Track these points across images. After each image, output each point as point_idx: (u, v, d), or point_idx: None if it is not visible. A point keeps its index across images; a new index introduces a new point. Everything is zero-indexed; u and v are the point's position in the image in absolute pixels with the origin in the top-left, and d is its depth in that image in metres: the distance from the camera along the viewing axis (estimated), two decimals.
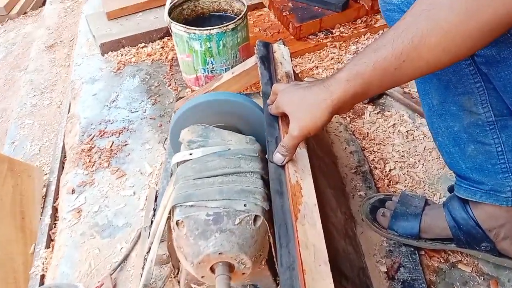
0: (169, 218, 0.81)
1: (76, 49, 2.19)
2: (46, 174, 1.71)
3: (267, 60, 1.23)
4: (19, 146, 1.87)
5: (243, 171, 0.84)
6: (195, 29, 1.48)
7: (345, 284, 0.88)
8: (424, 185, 1.29)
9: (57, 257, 1.24)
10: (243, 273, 0.78)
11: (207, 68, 1.61)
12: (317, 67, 1.80)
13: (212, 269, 0.77)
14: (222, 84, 1.37)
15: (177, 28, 1.53)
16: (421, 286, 1.00)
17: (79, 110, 1.74)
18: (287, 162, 0.81)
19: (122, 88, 1.82)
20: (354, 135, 1.44)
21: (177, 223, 0.77)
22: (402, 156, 1.39)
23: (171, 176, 0.91)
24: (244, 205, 0.76)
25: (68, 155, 1.59)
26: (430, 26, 0.64)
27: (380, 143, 1.43)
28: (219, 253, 0.73)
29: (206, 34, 1.49)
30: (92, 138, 1.58)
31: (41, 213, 1.50)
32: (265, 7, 2.20)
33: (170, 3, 1.58)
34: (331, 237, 0.90)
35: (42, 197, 1.53)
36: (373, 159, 1.37)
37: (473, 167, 0.94)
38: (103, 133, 1.60)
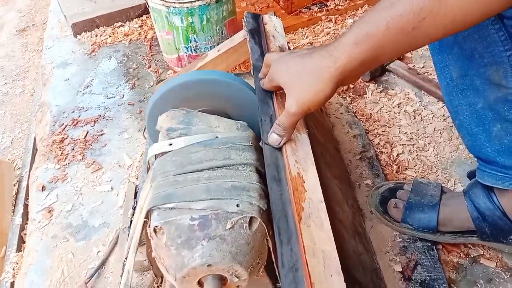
0: (145, 223, 0.67)
1: (46, 31, 2.02)
2: (18, 169, 1.58)
3: (258, 33, 1.09)
4: None
5: (234, 163, 0.71)
6: (175, 2, 1.34)
7: None
8: (437, 170, 1.18)
9: (26, 263, 1.11)
10: (238, 286, 0.66)
11: (190, 47, 1.46)
12: (311, 43, 1.67)
13: (200, 283, 0.65)
14: (207, 64, 1.24)
15: (154, 2, 1.38)
16: (442, 287, 0.88)
17: (50, 97, 1.59)
18: (284, 144, 0.71)
19: (97, 72, 1.67)
20: (356, 116, 1.31)
21: (155, 230, 0.64)
22: (410, 138, 1.27)
23: (148, 171, 0.78)
24: (237, 205, 0.64)
25: (39, 148, 1.44)
26: None
27: (385, 125, 1.31)
28: (208, 265, 0.61)
29: (187, 7, 1.35)
30: (64, 128, 1.44)
31: (13, 212, 1.37)
32: None
33: None
34: (340, 237, 0.78)
35: (14, 194, 1.39)
36: (379, 143, 1.25)
37: (500, 149, 0.82)
38: (77, 122, 1.46)
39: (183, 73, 1.28)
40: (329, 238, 0.65)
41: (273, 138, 0.70)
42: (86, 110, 1.50)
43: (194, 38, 1.44)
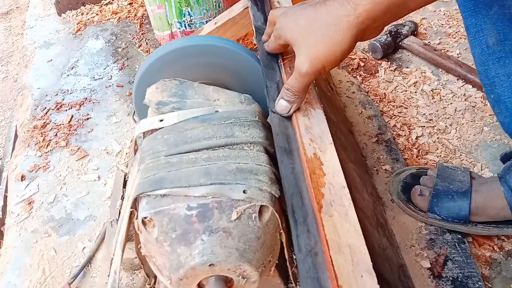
0: (132, 214, 0.56)
1: (29, 10, 1.90)
2: (0, 159, 1.47)
3: (261, 1, 0.98)
4: None
5: (238, 141, 0.60)
6: None
7: None
8: (460, 154, 1.07)
9: (3, 262, 1.00)
10: None
11: (184, 21, 1.35)
12: None
13: (200, 286, 0.54)
14: None
15: None
16: (477, 285, 0.78)
17: (31, 79, 1.47)
18: (294, 111, 0.62)
19: (83, 52, 1.55)
20: (369, 96, 1.20)
21: (143, 222, 0.53)
22: (430, 120, 1.16)
23: (135, 152, 0.66)
24: (244, 192, 0.53)
25: (19, 134, 1.33)
26: None
27: (401, 105, 1.20)
28: (210, 265, 0.50)
29: None
30: (46, 112, 1.33)
31: None
32: None
33: None
34: (363, 229, 0.67)
35: None
36: (395, 125, 1.14)
37: None
38: (60, 106, 1.34)
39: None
40: (355, 230, 0.55)
41: (282, 104, 0.60)
42: (70, 93, 1.39)
43: (188, 12, 1.32)
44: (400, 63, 1.35)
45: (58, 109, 1.33)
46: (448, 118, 1.17)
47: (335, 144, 0.68)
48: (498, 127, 0.96)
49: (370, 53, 1.37)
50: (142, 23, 1.65)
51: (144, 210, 0.53)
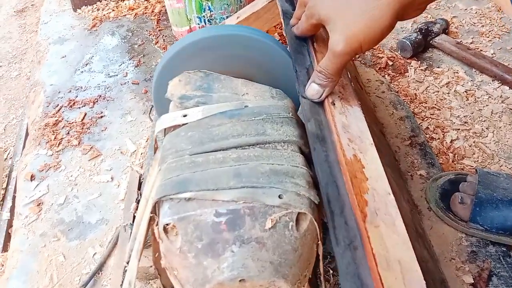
0: (152, 220, 0.50)
1: (44, 5, 1.86)
2: (11, 158, 1.43)
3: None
4: None
5: (270, 140, 0.54)
6: None
7: None
8: (499, 160, 0.99)
9: (9, 267, 0.94)
10: None
11: (204, 17, 1.29)
12: None
13: None
14: None
15: None
16: None
17: (44, 76, 1.43)
18: (326, 96, 0.57)
19: (98, 48, 1.50)
20: (399, 97, 1.13)
21: (165, 229, 0.46)
22: (465, 122, 1.08)
23: (155, 151, 0.60)
24: (279, 197, 0.46)
25: (30, 132, 1.28)
26: None
27: (434, 107, 1.12)
28: (240, 280, 0.44)
29: None
30: (59, 110, 1.28)
31: (1, 205, 1.22)
32: None
33: None
34: None
35: (2, 186, 1.24)
36: (428, 127, 1.07)
37: None
38: (73, 103, 1.29)
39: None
40: (405, 243, 0.48)
41: (313, 88, 0.55)
42: (84, 90, 1.34)
43: (209, 6, 1.26)
44: (430, 62, 1.28)
45: (71, 106, 1.28)
46: (484, 121, 1.09)
47: None
48: None
49: (399, 52, 1.30)
50: (160, 19, 1.60)
51: (166, 215, 0.46)
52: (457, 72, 1.23)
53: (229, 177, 0.48)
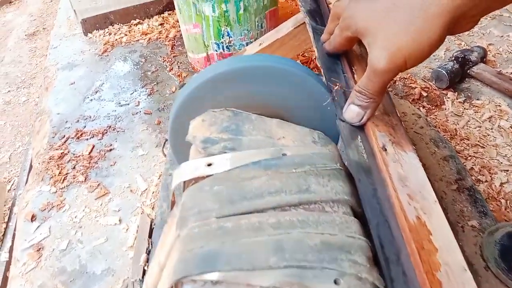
0: None
1: (54, 29, 1.80)
2: (14, 189, 1.35)
3: (320, 15, 0.83)
4: None
5: (316, 199, 0.43)
6: None
7: None
8: None
9: None
10: None
11: (222, 43, 1.20)
12: None
13: None
14: None
15: None
16: None
17: (51, 103, 1.34)
18: (368, 119, 0.50)
19: (108, 75, 1.43)
20: (439, 132, 1.02)
21: None
22: None
23: (171, 206, 0.50)
24: (335, 282, 0.36)
25: (34, 165, 1.19)
26: None
27: (477, 144, 1.02)
28: None
29: None
30: (65, 141, 1.19)
31: (1, 243, 1.13)
32: None
33: None
34: None
35: (3, 221, 1.16)
36: (472, 168, 0.96)
37: None
38: (81, 134, 1.20)
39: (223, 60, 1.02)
40: None
41: (352, 111, 0.48)
42: (93, 120, 1.25)
43: (228, 32, 1.18)
44: (469, 94, 1.18)
45: (78, 137, 1.19)
46: None
47: None
48: None
49: (434, 82, 1.20)
50: (174, 45, 1.52)
51: None
52: (499, 105, 1.13)
53: (269, 252, 0.37)
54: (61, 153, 1.15)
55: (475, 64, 1.21)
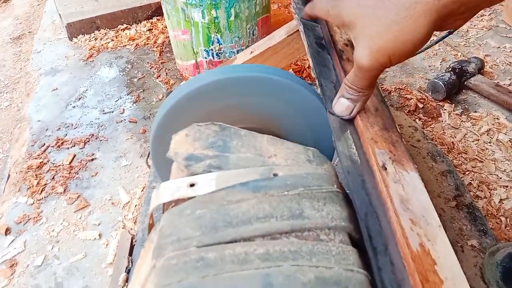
0: None
1: (38, 33, 1.75)
2: None
3: (319, 38, 0.79)
4: None
5: (311, 226, 0.39)
6: None
7: None
8: None
9: None
10: None
11: (212, 50, 1.16)
12: None
13: None
14: None
15: None
16: None
17: (32, 110, 1.29)
18: (358, 112, 0.50)
19: (93, 81, 1.38)
20: (436, 145, 0.99)
21: None
22: None
23: (149, 229, 0.45)
24: None
25: (11, 174, 1.13)
26: None
27: (475, 159, 0.98)
28: None
29: None
30: (45, 150, 1.14)
31: None
32: None
33: None
34: None
35: None
36: (471, 183, 0.93)
37: None
38: (62, 143, 1.15)
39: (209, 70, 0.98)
40: None
41: (342, 104, 0.48)
42: (75, 128, 1.20)
43: (218, 39, 1.14)
44: (466, 106, 1.15)
45: (58, 146, 1.14)
46: None
47: None
48: None
49: (430, 93, 1.17)
50: (163, 51, 1.48)
51: None
52: (497, 118, 1.10)
53: None
54: (40, 162, 1.10)
55: (473, 75, 1.18)
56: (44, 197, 1.01)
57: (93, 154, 1.11)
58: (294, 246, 0.37)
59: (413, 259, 0.40)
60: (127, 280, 0.76)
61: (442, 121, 1.10)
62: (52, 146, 1.15)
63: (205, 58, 1.20)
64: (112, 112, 1.24)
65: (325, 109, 0.52)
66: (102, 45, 1.55)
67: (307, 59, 0.67)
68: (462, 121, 1.10)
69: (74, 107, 1.28)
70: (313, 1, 0.55)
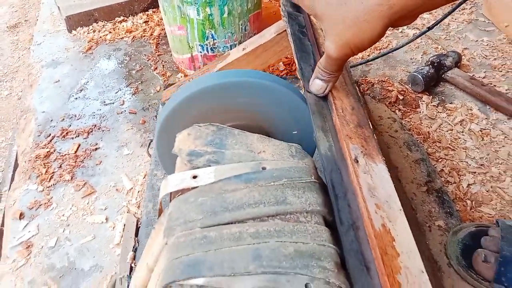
0: None
1: (37, 25, 1.81)
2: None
3: (301, 26, 0.88)
4: None
5: (292, 210, 0.48)
6: None
7: None
8: None
9: None
10: None
11: (206, 45, 1.24)
12: None
13: None
14: (229, 65, 1.04)
15: None
16: None
17: (36, 102, 1.37)
18: (330, 91, 0.61)
19: (93, 73, 1.45)
20: (412, 135, 1.08)
21: None
22: (481, 165, 1.04)
23: (159, 214, 0.55)
24: (306, 286, 0.41)
25: (20, 163, 1.22)
26: None
27: (448, 147, 1.08)
28: None
29: None
30: (51, 140, 1.22)
31: None
32: None
33: None
34: None
35: None
36: (442, 170, 1.02)
37: None
38: (67, 133, 1.23)
39: (198, 76, 1.06)
40: None
41: (317, 84, 0.59)
42: (78, 119, 1.28)
43: (212, 35, 1.22)
44: (443, 97, 1.24)
45: (63, 136, 1.22)
46: (501, 163, 1.05)
47: None
48: None
49: (410, 85, 1.26)
50: (159, 43, 1.55)
51: None
52: (471, 109, 1.19)
53: (248, 260, 0.42)
54: (47, 151, 1.18)
55: (450, 68, 1.27)
56: (53, 184, 1.10)
57: (96, 144, 1.19)
58: (278, 226, 0.46)
59: (375, 237, 0.49)
60: (134, 258, 0.86)
61: (420, 112, 1.19)
62: (58, 136, 1.23)
63: (200, 52, 1.28)
64: (113, 103, 1.32)
65: (306, 104, 0.62)
66: (100, 37, 1.62)
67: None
68: (438, 112, 1.19)
69: (76, 98, 1.36)
70: None
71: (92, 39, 1.61)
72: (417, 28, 1.55)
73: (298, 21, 0.87)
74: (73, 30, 1.66)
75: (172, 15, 1.22)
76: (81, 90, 1.39)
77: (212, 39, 1.24)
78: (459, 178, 1.01)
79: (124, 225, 0.95)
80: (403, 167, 0.99)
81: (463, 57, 1.38)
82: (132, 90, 1.36)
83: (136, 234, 0.91)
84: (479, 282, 0.77)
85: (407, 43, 1.33)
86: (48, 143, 1.21)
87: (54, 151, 1.19)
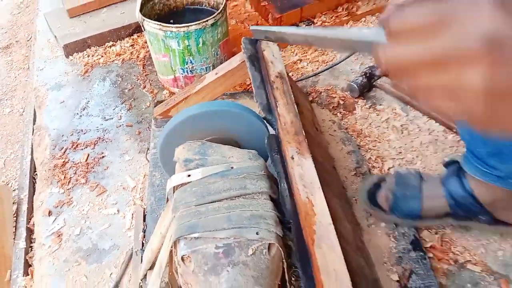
0: (172, 252, 0.75)
1: (36, 51, 2.06)
2: (14, 190, 1.62)
3: (257, 59, 1.18)
4: None
5: (250, 192, 0.79)
6: (172, 27, 1.41)
7: None
8: None
9: None
10: None
11: (186, 68, 1.53)
12: (301, 60, 1.75)
13: None
14: (206, 86, 1.32)
15: (151, 26, 1.45)
16: None
17: (47, 120, 1.63)
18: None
19: (92, 94, 1.72)
20: (348, 133, 1.40)
21: (182, 258, 0.71)
22: (399, 152, 1.36)
23: (167, 201, 0.85)
24: (257, 233, 0.71)
25: (40, 172, 1.49)
26: None
27: (376, 140, 1.40)
28: None
29: (184, 31, 1.42)
30: (64, 152, 1.49)
31: (14, 236, 1.42)
32: None
33: None
34: (344, 253, 0.86)
35: (14, 217, 1.44)
36: (370, 158, 1.34)
37: (491, 152, 0.91)
38: (77, 145, 1.51)
39: (181, 95, 1.35)
40: (339, 258, 0.74)
41: None
42: (85, 133, 1.56)
43: (190, 60, 1.51)
44: (374, 101, 1.56)
45: (74, 148, 1.50)
46: (415, 150, 1.37)
47: (321, 184, 0.88)
48: (457, 157, 1.16)
49: (349, 92, 1.58)
50: (145, 64, 1.83)
51: (183, 249, 0.71)
52: (395, 109, 1.51)
53: (223, 222, 0.73)
54: (63, 161, 1.46)
55: (379, 77, 1.59)
56: (72, 187, 1.37)
57: (102, 153, 1.47)
58: (241, 202, 0.77)
59: (301, 205, 0.80)
60: (144, 237, 1.15)
61: (356, 114, 1.51)
62: (70, 148, 1.50)
63: (181, 74, 1.57)
64: (112, 118, 1.60)
65: (261, 122, 0.92)
66: (94, 61, 1.88)
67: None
68: (370, 113, 1.51)
69: (81, 116, 1.63)
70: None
71: (88, 63, 1.87)
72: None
73: (254, 52, 1.18)
74: (70, 56, 1.92)
75: (157, 46, 1.50)
76: (84, 109, 1.66)
77: (191, 64, 1.53)
78: (382, 163, 1.33)
79: (133, 213, 1.24)
80: (338, 158, 1.31)
81: None
82: (126, 106, 1.64)
83: (144, 219, 1.21)
84: (381, 213, 1.12)
85: (348, 57, 1.65)
86: (63, 155, 1.48)
87: (69, 160, 1.46)
